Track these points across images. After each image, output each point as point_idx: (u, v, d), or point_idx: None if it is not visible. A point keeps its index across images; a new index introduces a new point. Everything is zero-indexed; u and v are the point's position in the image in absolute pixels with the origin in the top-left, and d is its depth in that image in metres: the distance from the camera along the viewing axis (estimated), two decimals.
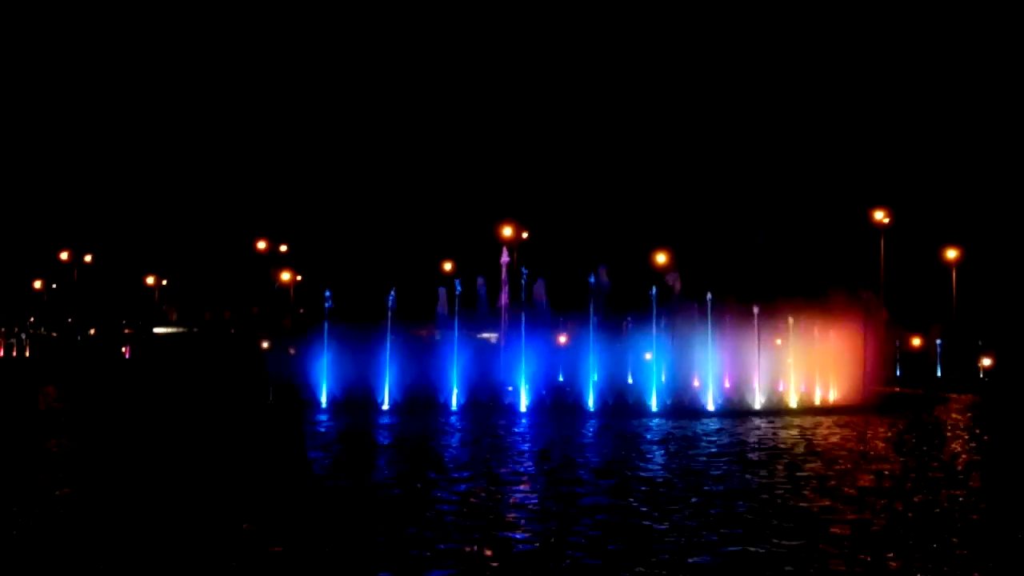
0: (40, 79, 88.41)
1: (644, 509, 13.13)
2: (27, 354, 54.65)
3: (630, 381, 33.79)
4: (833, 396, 34.08)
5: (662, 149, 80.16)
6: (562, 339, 38.12)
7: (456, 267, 68.79)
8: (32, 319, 70.25)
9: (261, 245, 75.61)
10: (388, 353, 30.19)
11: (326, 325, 30.63)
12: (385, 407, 29.40)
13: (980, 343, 52.54)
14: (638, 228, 71.61)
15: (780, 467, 17.64)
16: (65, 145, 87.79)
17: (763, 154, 78.78)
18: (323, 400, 29.85)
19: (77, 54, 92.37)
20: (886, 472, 16.99)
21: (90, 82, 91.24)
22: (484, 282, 37.84)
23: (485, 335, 40.42)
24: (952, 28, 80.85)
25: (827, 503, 13.77)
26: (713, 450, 20.08)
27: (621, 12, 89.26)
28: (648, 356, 32.00)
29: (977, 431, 25.73)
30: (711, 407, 30.07)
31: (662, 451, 20.10)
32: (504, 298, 37.52)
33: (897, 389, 41.69)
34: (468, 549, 10.63)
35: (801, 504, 13.77)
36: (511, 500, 14.05)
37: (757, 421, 27.18)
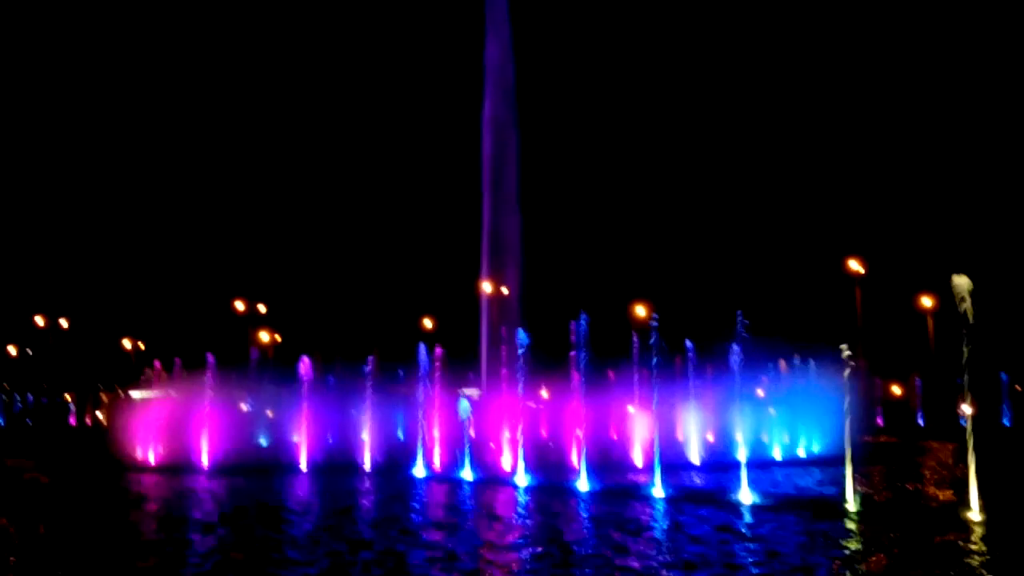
0: (10, 142, 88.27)
1: None
2: None
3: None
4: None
5: (638, 201, 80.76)
6: (544, 393, 37.94)
7: (436, 324, 68.66)
8: (6, 385, 69.20)
9: (240, 306, 75.22)
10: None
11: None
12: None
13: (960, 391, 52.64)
14: (617, 280, 71.80)
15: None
16: (38, 209, 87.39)
17: (736, 205, 79.52)
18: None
19: (48, 115, 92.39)
20: None
21: (63, 145, 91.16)
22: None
23: (468, 391, 40.25)
24: (921, 78, 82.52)
25: None
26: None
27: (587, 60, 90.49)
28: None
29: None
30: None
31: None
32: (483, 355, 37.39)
33: (882, 439, 41.81)
34: None
35: None
36: None
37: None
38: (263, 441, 37.52)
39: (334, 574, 12.93)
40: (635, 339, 31.00)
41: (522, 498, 21.97)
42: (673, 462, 30.02)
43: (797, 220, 76.08)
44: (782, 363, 35.46)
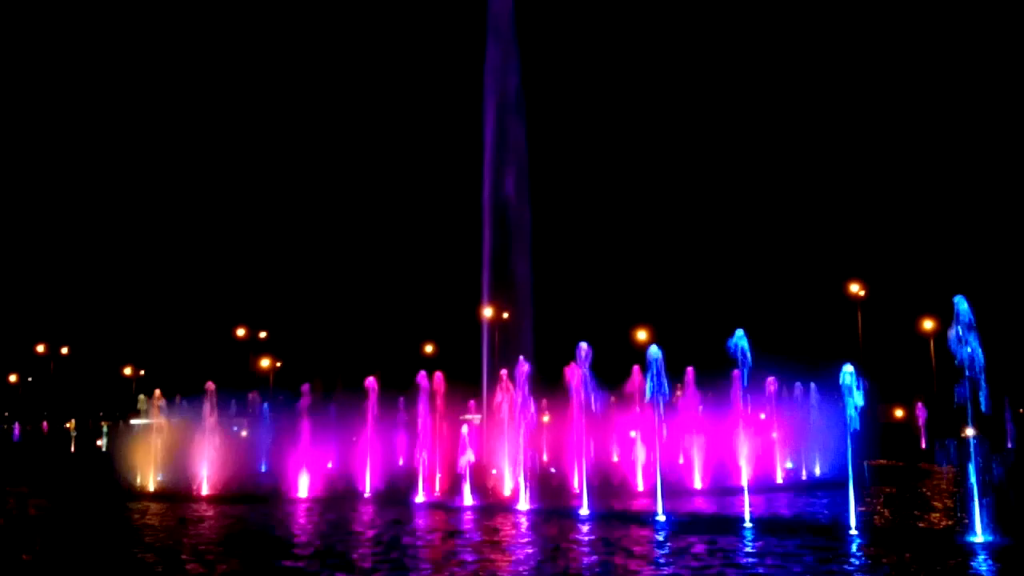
0: (10, 172, 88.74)
1: None
2: None
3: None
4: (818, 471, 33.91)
5: (641, 225, 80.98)
6: (545, 419, 37.81)
7: (438, 349, 68.60)
8: (6, 413, 69.11)
9: (240, 332, 75.19)
10: None
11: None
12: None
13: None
14: (619, 306, 71.86)
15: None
16: (39, 237, 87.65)
17: (739, 230, 79.72)
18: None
19: (48, 142, 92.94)
20: None
21: (64, 174, 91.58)
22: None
23: (469, 417, 40.12)
24: (924, 106, 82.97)
25: None
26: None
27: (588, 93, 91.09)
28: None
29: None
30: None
31: None
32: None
33: (884, 462, 41.61)
34: None
35: None
36: None
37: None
38: (263, 468, 37.40)
39: None
40: (636, 368, 30.86)
41: (523, 523, 21.81)
42: (675, 487, 29.88)
43: (799, 245, 76.26)
44: (784, 388, 35.35)
